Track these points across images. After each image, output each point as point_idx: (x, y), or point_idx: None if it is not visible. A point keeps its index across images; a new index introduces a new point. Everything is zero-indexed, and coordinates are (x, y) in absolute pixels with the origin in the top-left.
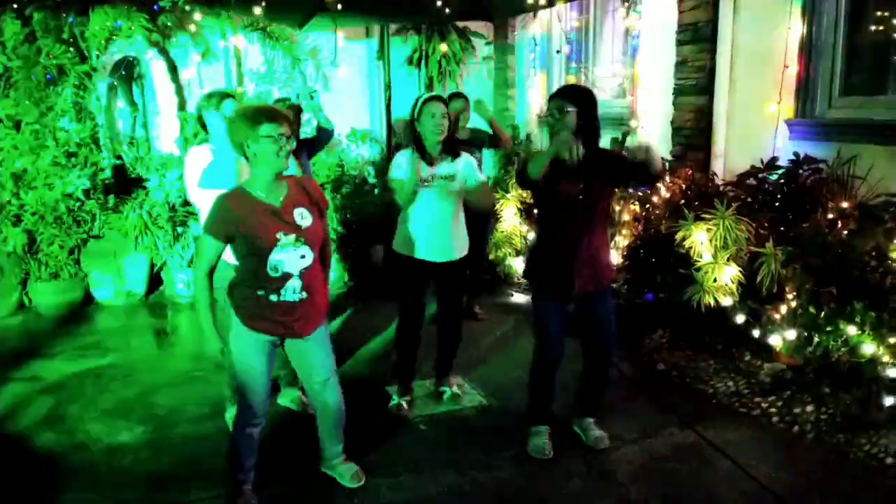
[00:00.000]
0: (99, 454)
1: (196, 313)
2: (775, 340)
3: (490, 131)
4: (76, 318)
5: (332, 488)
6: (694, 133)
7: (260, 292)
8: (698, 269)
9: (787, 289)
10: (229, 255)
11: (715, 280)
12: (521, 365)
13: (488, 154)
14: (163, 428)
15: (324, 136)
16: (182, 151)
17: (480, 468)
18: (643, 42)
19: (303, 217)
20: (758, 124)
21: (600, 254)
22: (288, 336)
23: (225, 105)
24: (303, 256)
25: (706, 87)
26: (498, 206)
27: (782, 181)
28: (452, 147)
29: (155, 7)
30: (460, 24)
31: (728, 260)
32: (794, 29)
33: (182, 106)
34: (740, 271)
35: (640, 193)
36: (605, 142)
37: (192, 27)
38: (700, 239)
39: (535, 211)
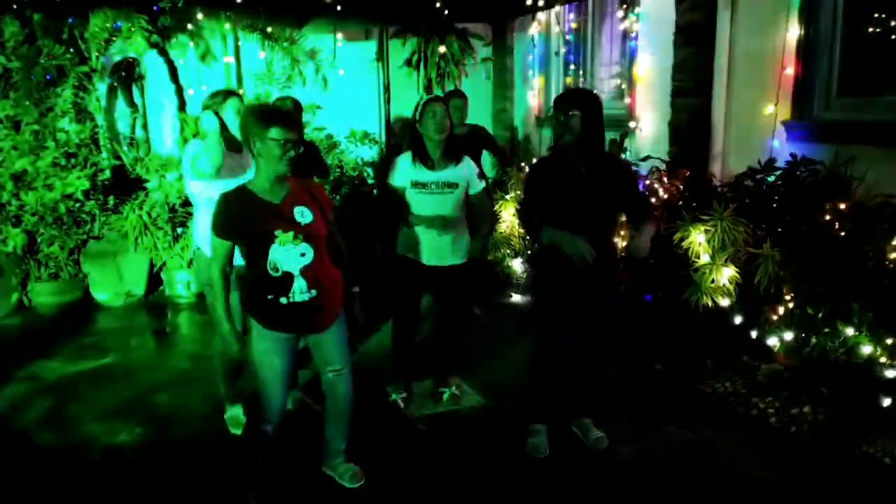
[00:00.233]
0: (98, 454)
1: (213, 312)
2: (773, 341)
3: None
4: (76, 319)
5: (332, 488)
6: (691, 134)
7: (269, 296)
8: (696, 270)
9: (784, 290)
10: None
11: (713, 281)
12: (521, 365)
13: (486, 154)
14: (162, 428)
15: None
16: (181, 152)
17: (480, 468)
18: (641, 44)
19: (303, 215)
20: (755, 126)
21: (607, 257)
22: (305, 333)
23: (228, 103)
24: (302, 254)
25: (704, 89)
26: (497, 206)
27: (780, 182)
28: (455, 150)
29: (155, 8)
30: (459, 25)
31: (726, 261)
32: (792, 31)
33: (182, 107)
34: (738, 272)
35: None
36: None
37: (192, 28)
38: (698, 240)
39: None
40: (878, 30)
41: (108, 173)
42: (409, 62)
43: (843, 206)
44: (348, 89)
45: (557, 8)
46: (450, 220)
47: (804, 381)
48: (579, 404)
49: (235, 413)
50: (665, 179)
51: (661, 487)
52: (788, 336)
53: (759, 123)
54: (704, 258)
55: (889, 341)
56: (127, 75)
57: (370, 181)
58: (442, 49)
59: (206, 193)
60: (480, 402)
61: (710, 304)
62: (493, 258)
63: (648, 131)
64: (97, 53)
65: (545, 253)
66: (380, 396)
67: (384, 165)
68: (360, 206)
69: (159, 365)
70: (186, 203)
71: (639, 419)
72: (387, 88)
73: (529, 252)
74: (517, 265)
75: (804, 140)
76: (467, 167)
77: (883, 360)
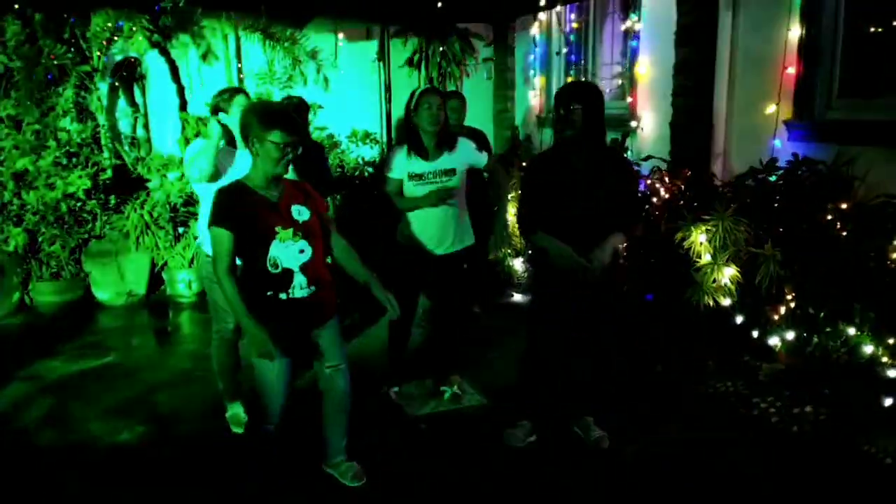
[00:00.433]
0: (100, 453)
1: (236, 314)
2: (774, 341)
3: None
4: (77, 318)
5: (332, 488)
6: (693, 134)
7: (269, 292)
8: (698, 270)
9: (786, 289)
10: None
11: (714, 281)
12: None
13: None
14: (163, 427)
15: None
16: (182, 152)
17: (480, 468)
18: (642, 43)
19: (300, 213)
20: (756, 125)
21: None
22: (303, 329)
23: (235, 100)
24: (301, 251)
25: (705, 89)
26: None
27: (781, 182)
28: (449, 139)
29: (156, 8)
30: (460, 25)
31: (727, 261)
32: (793, 30)
33: (183, 106)
34: (739, 272)
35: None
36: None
37: (193, 28)
38: (699, 240)
39: None
40: (879, 29)
41: (109, 173)
42: (410, 62)
43: (844, 205)
44: (349, 89)
45: (558, 8)
46: (449, 210)
47: (806, 380)
48: (580, 404)
49: (236, 412)
50: (666, 179)
51: (661, 487)
52: (790, 336)
53: (761, 123)
54: (706, 258)
55: (891, 341)
56: (128, 75)
57: (370, 179)
58: (443, 49)
59: (208, 190)
60: (481, 402)
61: (711, 303)
62: (493, 258)
63: (650, 131)
64: (98, 53)
65: (542, 253)
66: (380, 396)
67: (384, 164)
68: (360, 205)
69: (160, 364)
70: (188, 202)
71: (640, 419)
72: (388, 88)
73: (530, 251)
74: (518, 265)
75: (805, 140)
76: (463, 149)
77: (884, 359)
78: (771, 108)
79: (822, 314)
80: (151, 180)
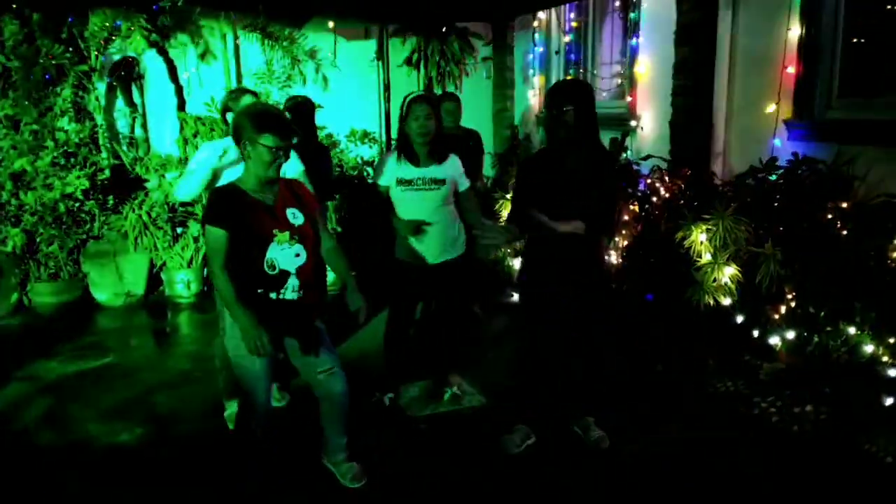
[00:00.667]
0: (99, 454)
1: (229, 308)
2: (775, 340)
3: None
4: (75, 319)
5: (332, 488)
6: (693, 133)
7: (259, 290)
8: (698, 269)
9: (786, 289)
10: None
11: (714, 280)
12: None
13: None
14: (162, 428)
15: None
16: (181, 152)
17: (481, 468)
18: (642, 43)
19: (295, 216)
20: (756, 125)
21: (586, 256)
22: (286, 334)
23: (242, 100)
24: (297, 255)
25: (705, 88)
26: (497, 206)
27: (781, 181)
28: (441, 149)
29: (154, 7)
30: (459, 24)
31: (727, 260)
32: (793, 30)
33: (181, 106)
34: (739, 271)
35: (639, 193)
36: (604, 141)
37: (191, 27)
38: (699, 239)
39: None
40: (879, 29)
41: (107, 173)
42: (409, 61)
43: (844, 205)
44: (348, 88)
45: (558, 7)
46: (438, 218)
47: (806, 379)
48: (579, 404)
49: (234, 410)
50: (666, 178)
51: (662, 487)
52: (790, 335)
53: (761, 122)
54: (706, 257)
55: (891, 340)
56: (126, 74)
57: (370, 180)
58: (442, 48)
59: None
60: (482, 402)
61: (711, 303)
62: (493, 258)
63: (649, 130)
64: (96, 53)
65: (529, 248)
66: (377, 400)
67: (375, 170)
68: (359, 204)
69: (159, 365)
70: (186, 203)
71: (640, 418)
72: (387, 87)
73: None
74: (518, 264)
75: (805, 139)
76: (453, 165)
77: (885, 358)
78: (771, 108)
79: (822, 313)
80: (150, 180)
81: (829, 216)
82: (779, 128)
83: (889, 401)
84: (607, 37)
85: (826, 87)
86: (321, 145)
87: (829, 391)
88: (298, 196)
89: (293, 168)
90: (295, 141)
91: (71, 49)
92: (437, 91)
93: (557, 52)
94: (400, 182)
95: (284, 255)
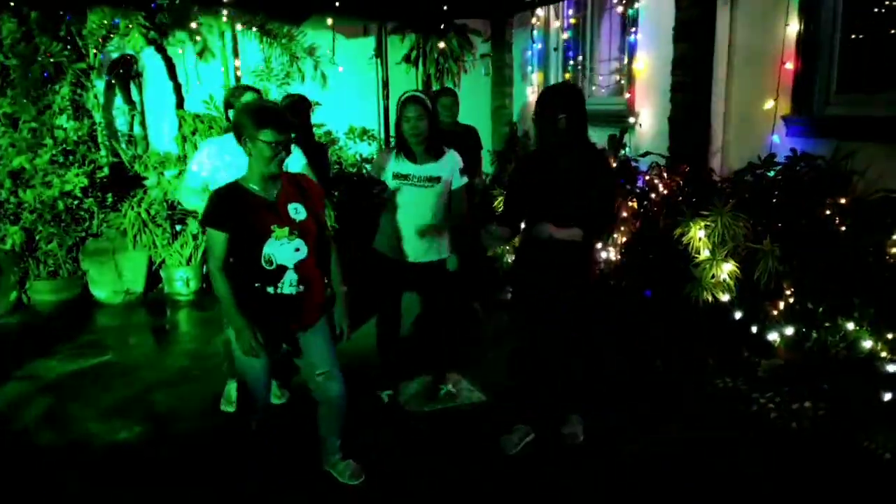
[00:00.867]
0: (98, 453)
1: (225, 309)
2: (773, 336)
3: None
4: (75, 317)
5: (332, 487)
6: (691, 130)
7: (257, 284)
8: (696, 266)
9: (784, 285)
10: None
11: (713, 276)
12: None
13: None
14: (162, 426)
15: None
16: (179, 149)
17: (480, 466)
18: (640, 39)
19: (297, 211)
20: (755, 121)
21: (578, 258)
22: (287, 326)
23: (243, 97)
24: (297, 249)
25: (703, 84)
26: (495, 203)
27: (780, 178)
28: (438, 146)
29: (152, 5)
30: (458, 21)
31: (726, 256)
32: (791, 25)
33: (180, 104)
34: (738, 268)
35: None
36: (602, 138)
37: (190, 25)
38: (698, 235)
39: None
40: (878, 25)
41: (106, 171)
42: (407, 58)
43: (843, 200)
44: (347, 86)
45: (556, 3)
46: (430, 216)
47: (805, 376)
48: (568, 402)
49: (229, 389)
50: (665, 175)
51: (661, 486)
52: (789, 331)
53: (759, 119)
54: (704, 254)
55: (890, 336)
56: (125, 72)
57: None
58: (441, 45)
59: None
60: (481, 399)
61: (710, 299)
62: (492, 254)
63: (648, 127)
64: (95, 50)
65: (521, 248)
66: (376, 396)
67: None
68: (358, 202)
69: (158, 363)
70: None
71: (639, 416)
72: (385, 85)
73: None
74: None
75: (804, 135)
76: (451, 161)
77: (884, 354)
78: (769, 104)
79: (821, 309)
80: (148, 178)
81: (828, 212)
82: (777, 124)
83: (888, 397)
84: (605, 33)
85: (825, 83)
86: (319, 143)
87: (828, 387)
88: (303, 190)
89: (296, 162)
90: (293, 136)
91: (69, 47)
92: (436, 88)
93: (556, 49)
94: (396, 176)
95: (283, 250)
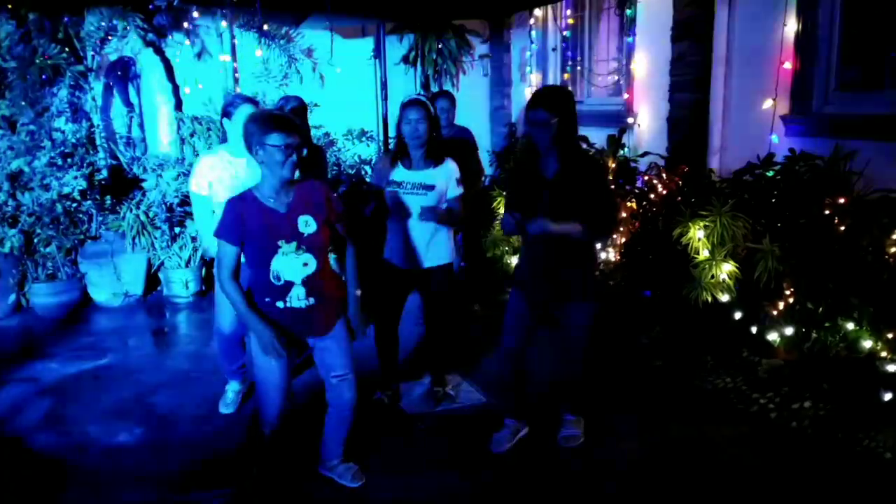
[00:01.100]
0: (98, 455)
1: (240, 314)
2: (773, 336)
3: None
4: (74, 319)
5: (332, 488)
6: (690, 130)
7: (267, 299)
8: (696, 266)
9: (784, 285)
10: None
11: (712, 276)
12: None
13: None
14: (162, 428)
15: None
16: (178, 151)
17: (479, 466)
18: (639, 39)
19: (307, 224)
20: (754, 120)
21: (564, 269)
22: (301, 335)
23: (240, 109)
24: (305, 264)
25: (702, 84)
26: (494, 203)
27: (779, 177)
28: (436, 153)
29: (150, 7)
30: (456, 22)
31: (725, 256)
32: (790, 24)
33: (178, 106)
34: (737, 268)
35: (635, 190)
36: (601, 138)
37: (188, 27)
38: (697, 235)
39: None
40: (877, 23)
41: (104, 173)
42: (406, 59)
43: (842, 200)
44: (345, 87)
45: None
46: (425, 223)
47: (805, 376)
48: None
49: (226, 389)
50: (664, 175)
51: (661, 485)
52: (788, 331)
53: (758, 118)
54: (704, 254)
55: (889, 335)
56: (123, 74)
57: (368, 179)
58: (439, 46)
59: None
60: (482, 401)
61: (709, 299)
62: (492, 255)
63: (646, 127)
64: (93, 53)
65: (521, 255)
66: (376, 397)
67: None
68: (357, 204)
69: (158, 365)
70: (184, 202)
71: (639, 416)
72: (384, 86)
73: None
74: (516, 263)
75: (803, 135)
76: (447, 170)
77: (883, 354)
78: (768, 103)
79: (820, 309)
80: (147, 180)
81: (827, 212)
82: (776, 123)
83: (887, 396)
84: (604, 33)
85: (824, 82)
86: (316, 146)
87: (828, 387)
88: (318, 200)
89: None
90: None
91: (67, 49)
92: (435, 89)
93: (554, 49)
94: (390, 183)
95: (290, 265)
